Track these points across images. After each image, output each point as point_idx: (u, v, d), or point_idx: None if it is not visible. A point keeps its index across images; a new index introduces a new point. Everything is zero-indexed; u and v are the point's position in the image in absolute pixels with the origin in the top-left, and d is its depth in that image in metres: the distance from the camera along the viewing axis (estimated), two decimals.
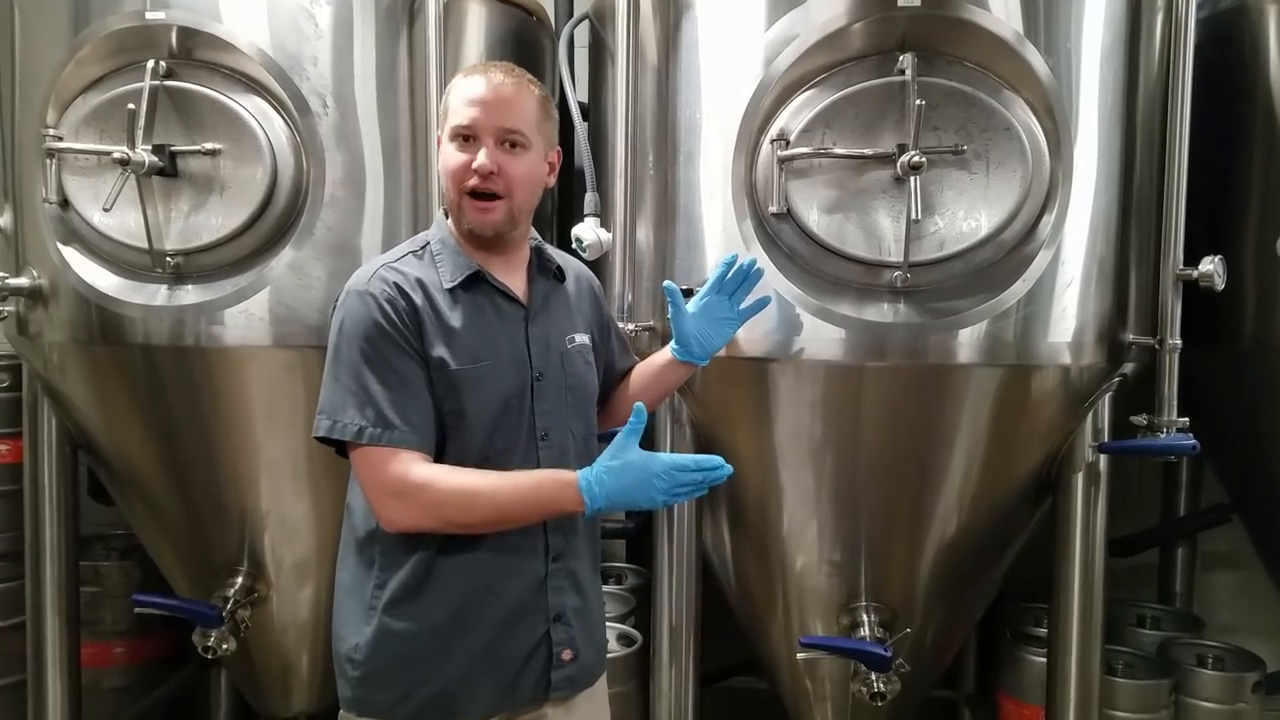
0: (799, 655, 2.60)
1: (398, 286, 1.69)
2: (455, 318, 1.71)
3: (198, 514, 2.70)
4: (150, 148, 2.32)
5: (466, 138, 1.70)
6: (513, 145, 1.71)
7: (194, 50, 2.42)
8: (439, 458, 1.71)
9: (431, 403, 1.68)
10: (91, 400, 2.67)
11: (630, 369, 2.12)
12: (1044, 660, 2.72)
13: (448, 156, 1.72)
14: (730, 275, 1.97)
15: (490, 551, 1.72)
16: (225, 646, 2.65)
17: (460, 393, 1.69)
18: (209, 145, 2.37)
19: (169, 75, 2.39)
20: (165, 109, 2.38)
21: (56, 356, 2.64)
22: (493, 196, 1.71)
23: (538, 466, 1.75)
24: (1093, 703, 2.58)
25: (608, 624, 2.93)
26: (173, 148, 2.37)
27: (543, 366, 1.78)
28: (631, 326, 2.48)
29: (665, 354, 2.02)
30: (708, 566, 2.83)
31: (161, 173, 2.36)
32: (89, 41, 2.43)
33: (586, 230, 2.46)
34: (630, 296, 2.52)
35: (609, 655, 2.75)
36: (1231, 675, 2.94)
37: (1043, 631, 2.86)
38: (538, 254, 1.87)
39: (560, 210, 3.28)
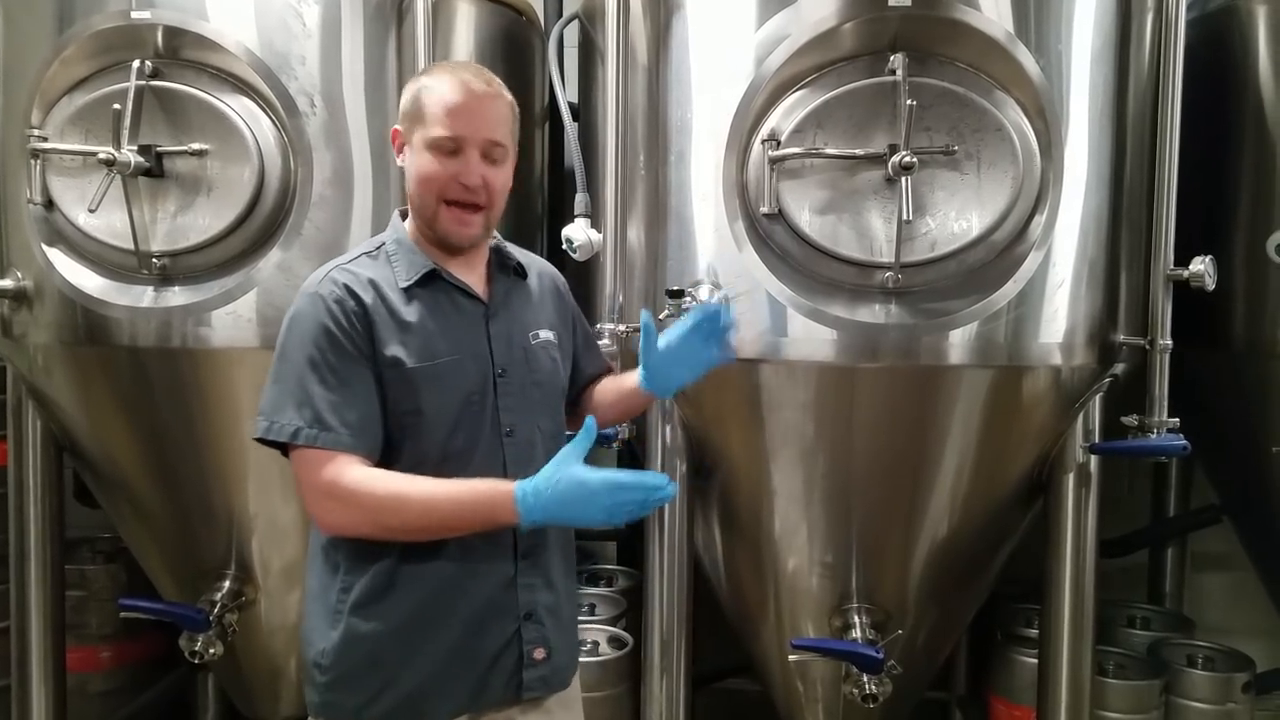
0: (791, 657, 2.59)
1: (347, 288, 1.66)
2: (411, 315, 1.69)
3: (185, 517, 2.68)
4: (136, 148, 2.31)
5: (451, 150, 1.67)
6: (495, 159, 1.70)
7: (180, 50, 2.40)
8: (397, 458, 1.68)
9: (376, 406, 1.66)
10: (77, 402, 2.64)
11: (600, 375, 2.08)
12: (1035, 661, 2.71)
13: (426, 164, 1.68)
14: (705, 324, 1.87)
15: (457, 549, 1.69)
16: (212, 651, 2.63)
17: (418, 391, 1.67)
18: (196, 145, 2.35)
19: (155, 75, 2.38)
20: (151, 109, 2.36)
21: (41, 358, 2.62)
22: (475, 208, 1.69)
23: (503, 464, 1.72)
24: (1084, 703, 2.58)
25: (599, 627, 2.96)
26: (159, 148, 2.35)
27: (505, 363, 1.76)
28: (623, 327, 2.47)
29: (633, 376, 1.96)
30: (699, 568, 2.82)
31: (148, 173, 2.34)
32: (74, 41, 2.41)
33: (577, 231, 2.45)
34: (621, 298, 2.51)
35: (600, 659, 2.79)
36: (1222, 675, 2.95)
37: (1034, 632, 2.86)
38: (496, 252, 1.85)
39: (551, 211, 3.27)
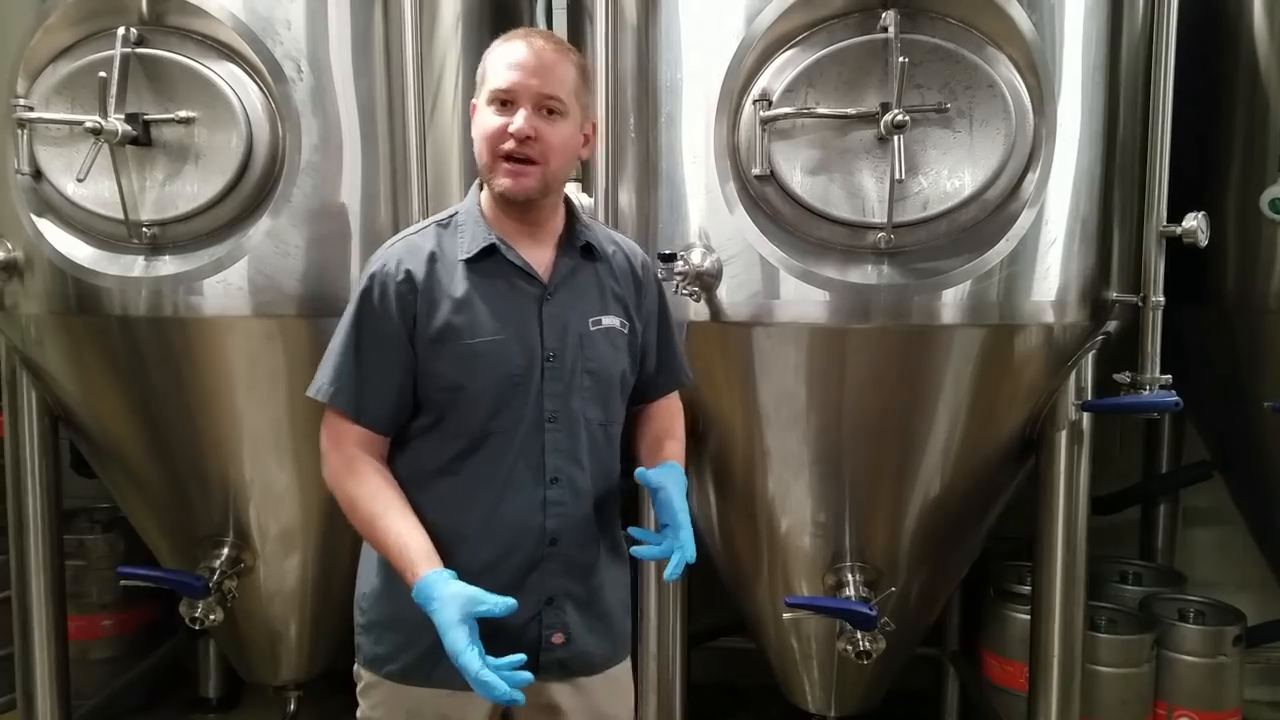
0: (785, 615, 2.61)
1: (400, 263, 1.71)
2: (463, 290, 1.70)
3: (181, 485, 2.69)
4: (123, 116, 2.28)
5: (504, 102, 1.67)
6: (550, 112, 1.68)
7: (165, 16, 2.37)
8: (437, 430, 1.72)
9: (393, 386, 1.71)
10: (70, 373, 2.64)
11: (678, 384, 2.01)
12: (1027, 617, 2.75)
13: (484, 120, 1.69)
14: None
15: (488, 530, 1.72)
16: (212, 617, 2.65)
17: (460, 367, 1.69)
18: (183, 113, 2.33)
19: (140, 42, 2.35)
20: (137, 76, 2.34)
21: (33, 329, 2.61)
22: (528, 161, 1.68)
23: (542, 450, 1.73)
24: (1076, 658, 2.62)
25: None
26: (146, 116, 2.33)
27: (557, 347, 1.74)
28: None
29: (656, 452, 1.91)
30: (694, 529, 2.83)
31: (135, 141, 2.32)
32: (57, 8, 2.38)
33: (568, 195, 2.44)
34: None
35: None
36: (1212, 629, 2.99)
37: (1026, 589, 2.89)
38: (570, 231, 1.82)
39: None
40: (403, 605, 1.70)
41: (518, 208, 1.74)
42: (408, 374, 1.71)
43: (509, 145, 1.66)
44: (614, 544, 1.88)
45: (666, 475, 1.79)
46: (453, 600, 1.56)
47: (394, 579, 1.71)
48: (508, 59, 1.68)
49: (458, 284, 1.71)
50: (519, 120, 1.65)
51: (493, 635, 1.71)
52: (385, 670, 1.78)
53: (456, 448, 1.72)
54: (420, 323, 1.69)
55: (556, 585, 1.77)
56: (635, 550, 1.77)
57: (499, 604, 1.57)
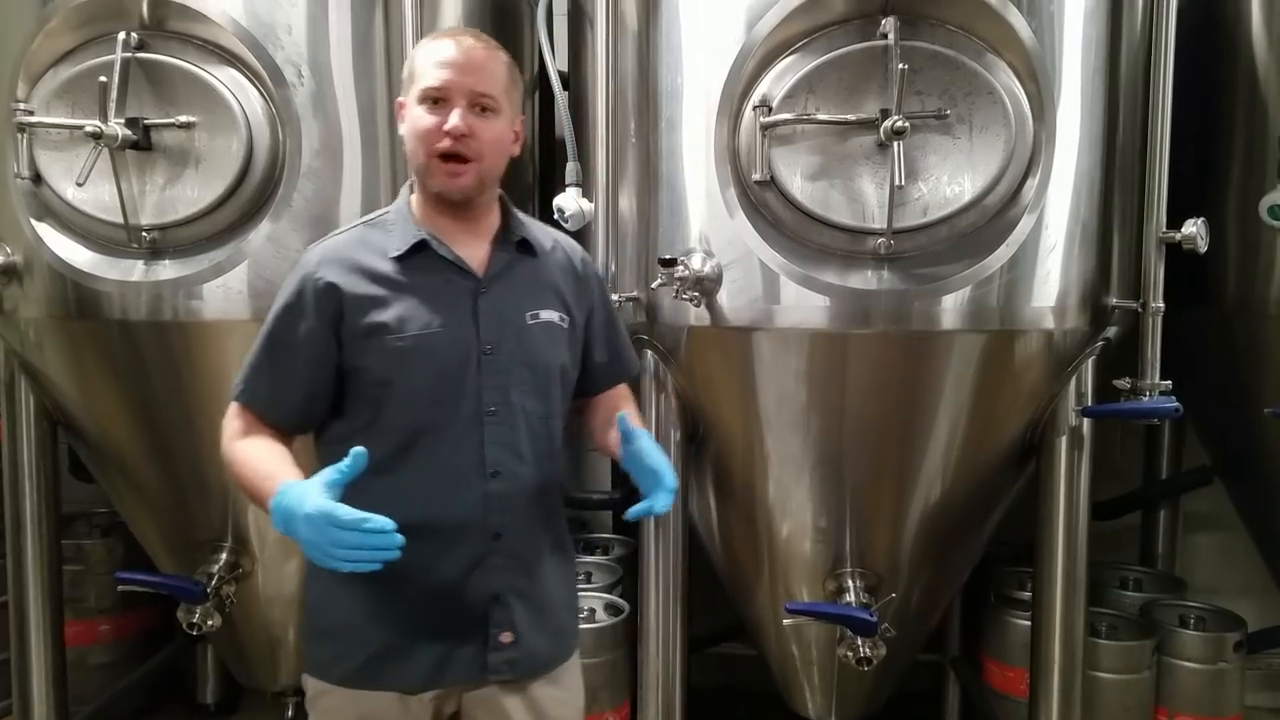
0: (785, 621, 2.61)
1: (320, 263, 1.70)
2: (395, 288, 1.70)
3: (180, 490, 2.69)
4: (123, 121, 2.29)
5: (437, 100, 1.66)
6: (484, 109, 1.68)
7: (165, 21, 2.38)
8: (367, 428, 1.70)
9: (301, 389, 1.72)
10: (69, 377, 2.64)
11: (626, 375, 2.01)
12: (1028, 623, 2.74)
13: (417, 119, 1.68)
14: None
15: (429, 526, 1.68)
16: (210, 623, 2.64)
17: (389, 363, 1.68)
18: (183, 118, 2.34)
19: (141, 47, 2.35)
20: (138, 81, 2.34)
21: (33, 333, 2.61)
22: (464, 160, 1.68)
23: (482, 444, 1.72)
24: (1076, 664, 2.61)
25: (595, 594, 2.97)
26: (146, 120, 2.34)
27: (494, 340, 1.73)
28: (615, 297, 2.46)
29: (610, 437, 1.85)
30: (694, 534, 2.83)
31: (135, 146, 2.32)
32: (58, 13, 2.38)
33: (568, 200, 2.44)
34: (614, 266, 2.51)
35: (596, 625, 2.80)
36: (1213, 635, 2.98)
37: (1026, 595, 2.88)
38: (506, 227, 1.83)
39: (542, 180, 3.25)
40: (348, 609, 1.72)
41: (453, 206, 1.73)
42: (321, 372, 1.70)
43: (445, 144, 1.66)
44: (557, 538, 1.87)
45: (639, 429, 1.79)
46: (307, 490, 1.49)
47: (338, 584, 1.70)
48: (439, 57, 1.67)
49: (386, 281, 1.70)
50: (455, 118, 1.65)
51: (440, 634, 1.72)
52: (333, 676, 1.76)
53: (392, 445, 1.70)
54: (347, 321, 1.68)
55: (502, 581, 1.75)
56: (631, 511, 1.71)
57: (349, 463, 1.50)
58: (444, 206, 1.74)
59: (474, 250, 1.77)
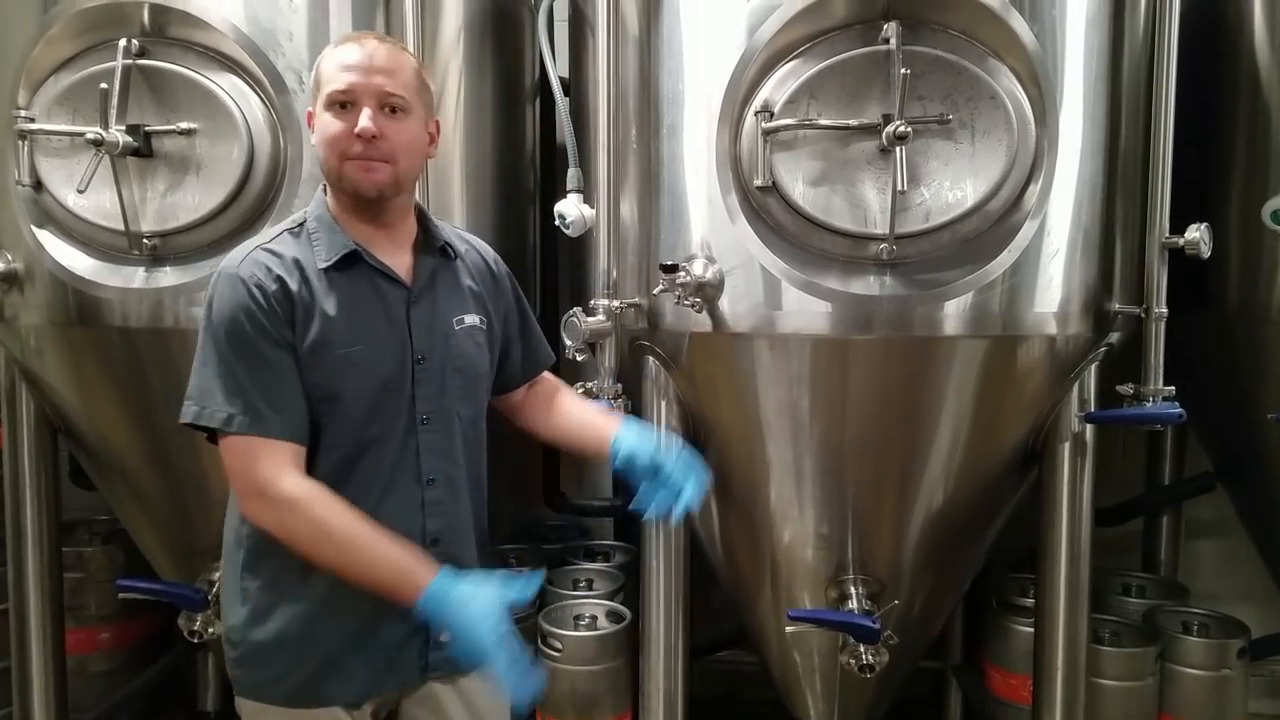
0: (787, 629, 2.61)
1: (269, 270, 1.64)
2: (330, 299, 1.66)
3: (180, 497, 2.68)
4: (124, 128, 2.28)
5: (344, 104, 1.63)
6: (394, 110, 1.65)
7: (167, 27, 2.38)
8: (314, 444, 1.67)
9: (301, 391, 1.64)
10: (70, 384, 2.63)
11: (538, 370, 2.03)
12: (1031, 630, 2.73)
13: (325, 125, 1.64)
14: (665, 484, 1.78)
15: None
16: (211, 630, 2.64)
17: (334, 377, 1.65)
18: (184, 124, 2.33)
19: (142, 54, 2.35)
20: (139, 88, 2.34)
21: (34, 340, 2.60)
22: (378, 161, 1.65)
23: (418, 452, 1.72)
24: (1079, 671, 2.60)
25: (597, 601, 2.97)
26: (147, 127, 2.33)
27: (425, 349, 1.73)
28: (617, 303, 2.46)
29: (604, 429, 1.90)
30: (695, 541, 2.82)
31: (136, 153, 2.32)
32: (59, 20, 2.38)
33: (570, 206, 2.43)
34: (615, 272, 2.50)
35: (598, 633, 2.80)
36: (1216, 642, 2.97)
37: (1029, 601, 2.87)
38: (425, 232, 1.81)
39: (543, 186, 3.25)
40: (280, 628, 1.69)
41: (370, 210, 1.70)
42: (299, 379, 1.65)
43: (357, 148, 1.63)
44: (481, 536, 1.89)
45: (635, 435, 1.82)
46: (476, 597, 1.54)
47: (265, 604, 1.69)
48: (343, 61, 1.64)
49: (323, 293, 1.66)
50: (364, 119, 1.62)
51: (381, 643, 1.72)
52: (271, 696, 1.73)
53: (335, 459, 1.68)
54: (296, 333, 1.64)
55: None
56: (648, 514, 1.75)
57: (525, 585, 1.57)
58: (362, 213, 1.71)
59: (398, 257, 1.76)
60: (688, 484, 1.76)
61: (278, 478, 1.60)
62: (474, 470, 1.84)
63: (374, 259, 1.71)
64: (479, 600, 1.54)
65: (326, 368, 1.65)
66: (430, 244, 1.81)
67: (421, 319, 1.74)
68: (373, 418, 1.69)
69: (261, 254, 1.67)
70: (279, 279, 1.64)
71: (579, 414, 2.01)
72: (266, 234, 1.73)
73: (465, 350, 1.79)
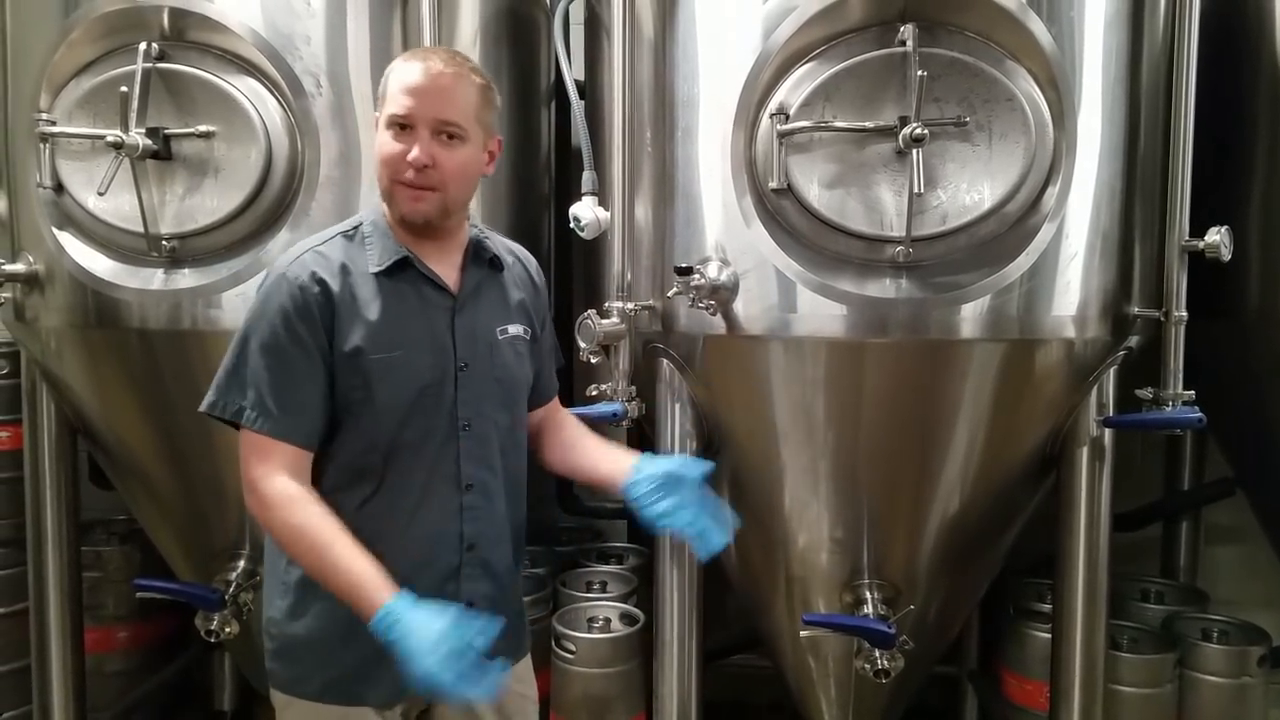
0: (802, 633, 2.60)
1: (314, 274, 1.67)
2: (375, 304, 1.69)
3: (197, 498, 2.70)
4: (144, 131, 2.30)
5: (403, 126, 1.66)
6: (450, 137, 1.68)
7: (186, 31, 2.39)
8: (346, 443, 1.70)
9: (320, 395, 1.67)
10: (89, 385, 2.65)
11: (546, 399, 2.01)
12: (1047, 635, 2.71)
13: (383, 144, 1.68)
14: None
15: (406, 541, 1.71)
16: (228, 630, 2.65)
17: (371, 380, 1.68)
18: (203, 127, 2.35)
19: (161, 57, 2.37)
20: (158, 91, 2.36)
21: (54, 342, 2.63)
22: (427, 188, 1.68)
23: (457, 456, 1.74)
24: (1097, 677, 2.58)
25: (610, 603, 2.97)
26: (166, 130, 2.35)
27: (469, 357, 1.76)
28: (631, 306, 2.46)
29: (617, 464, 1.86)
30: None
31: (155, 156, 2.34)
32: (80, 24, 2.41)
33: (584, 209, 2.43)
34: (629, 275, 2.50)
35: (612, 635, 2.80)
36: (1236, 649, 2.94)
37: (1046, 607, 2.85)
38: (476, 244, 1.84)
39: (558, 189, 3.26)
40: (320, 625, 1.71)
41: (419, 226, 1.73)
42: (327, 386, 1.68)
43: (409, 174, 1.66)
44: (518, 546, 1.91)
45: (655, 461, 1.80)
46: (424, 629, 1.51)
47: (303, 598, 1.71)
48: (405, 83, 1.66)
49: (369, 296, 1.69)
50: (416, 151, 1.64)
51: None
52: (304, 692, 1.75)
53: (371, 460, 1.71)
54: (336, 335, 1.67)
55: (474, 590, 1.78)
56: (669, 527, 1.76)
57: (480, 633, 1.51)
58: (413, 227, 1.74)
59: (447, 266, 1.79)
60: (711, 529, 1.77)
61: (267, 476, 1.64)
62: (511, 478, 1.86)
63: (424, 266, 1.75)
64: (426, 632, 1.50)
65: (367, 370, 1.68)
66: (480, 255, 1.84)
67: (465, 327, 1.77)
68: (410, 421, 1.71)
69: (310, 256, 1.71)
70: (321, 281, 1.67)
71: (595, 446, 1.98)
72: (320, 236, 1.78)
73: (506, 360, 1.82)
